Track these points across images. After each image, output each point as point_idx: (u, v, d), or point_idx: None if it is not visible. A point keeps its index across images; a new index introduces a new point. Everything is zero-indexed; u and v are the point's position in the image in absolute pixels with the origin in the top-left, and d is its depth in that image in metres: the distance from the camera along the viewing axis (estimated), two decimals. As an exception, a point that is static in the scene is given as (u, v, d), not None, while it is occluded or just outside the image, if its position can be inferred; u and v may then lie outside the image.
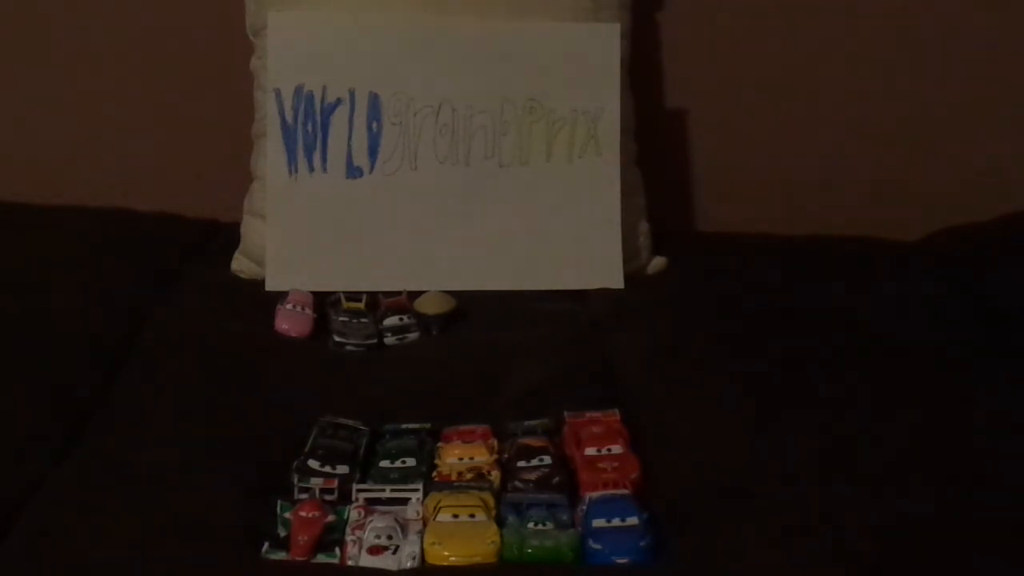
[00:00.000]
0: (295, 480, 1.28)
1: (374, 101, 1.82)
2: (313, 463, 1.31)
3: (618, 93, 1.85)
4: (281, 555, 1.20)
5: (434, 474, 1.33)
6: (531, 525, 1.23)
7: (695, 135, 2.14)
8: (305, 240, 1.82)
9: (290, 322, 1.68)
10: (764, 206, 2.14)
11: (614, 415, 1.43)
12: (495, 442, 1.38)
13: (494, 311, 1.74)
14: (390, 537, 1.20)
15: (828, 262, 1.94)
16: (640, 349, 1.64)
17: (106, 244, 1.91)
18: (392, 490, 1.28)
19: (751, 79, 2.12)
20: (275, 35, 1.83)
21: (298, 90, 1.82)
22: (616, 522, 1.22)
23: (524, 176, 1.84)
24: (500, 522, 1.23)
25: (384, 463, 1.34)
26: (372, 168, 1.83)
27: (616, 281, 1.83)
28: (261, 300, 1.74)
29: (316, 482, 1.28)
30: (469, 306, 1.73)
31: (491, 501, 1.26)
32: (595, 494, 1.26)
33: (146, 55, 2.09)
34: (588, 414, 1.43)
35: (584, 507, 1.24)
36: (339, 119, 1.82)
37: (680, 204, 2.15)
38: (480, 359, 1.61)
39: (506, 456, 1.35)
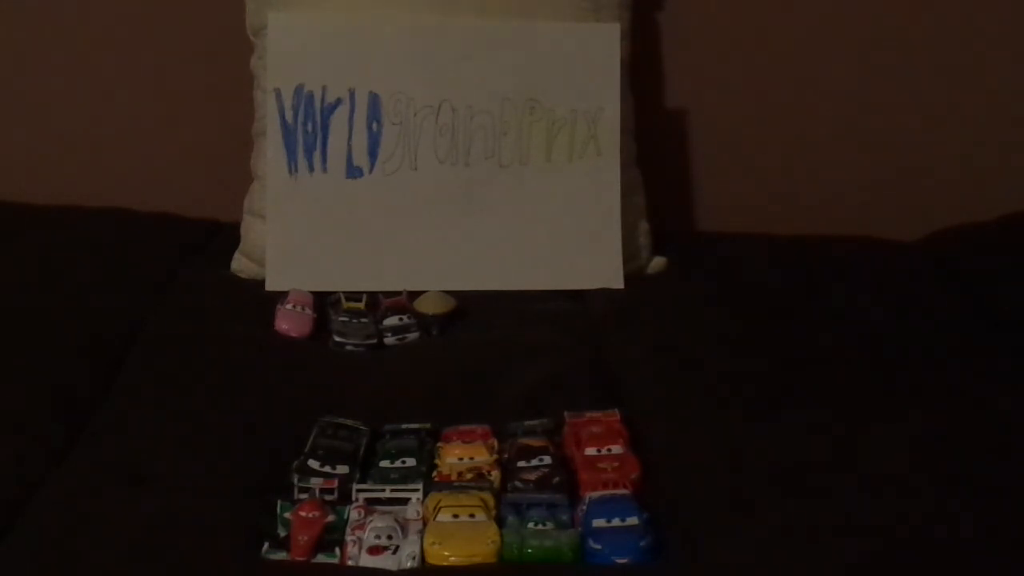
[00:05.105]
0: (295, 480, 1.28)
1: (374, 101, 1.82)
2: (313, 463, 1.31)
3: (618, 93, 1.85)
4: (281, 555, 1.20)
5: (434, 474, 1.33)
6: (531, 525, 1.23)
7: (695, 135, 2.14)
8: (305, 240, 1.81)
9: (290, 322, 1.67)
10: (764, 206, 2.14)
11: (614, 415, 1.43)
12: (495, 442, 1.38)
13: (494, 311, 1.74)
14: (390, 537, 1.20)
15: (828, 262, 1.94)
16: (640, 349, 1.64)
17: (106, 244, 1.91)
18: (392, 490, 1.28)
19: (751, 79, 2.12)
20: (275, 35, 1.83)
21: (298, 90, 1.82)
22: (616, 522, 1.22)
23: (524, 176, 1.84)
24: (500, 522, 1.23)
25: (384, 463, 1.34)
26: (372, 168, 1.82)
27: (616, 281, 1.83)
28: (261, 300, 1.74)
29: (316, 482, 1.28)
30: (469, 306, 1.73)
31: (491, 501, 1.26)
32: (595, 494, 1.26)
33: (146, 55, 2.09)
34: (588, 414, 1.43)
35: (584, 507, 1.24)
36: (339, 119, 1.82)
37: (680, 204, 2.15)
38: (480, 359, 1.61)
39: (506, 456, 1.35)
